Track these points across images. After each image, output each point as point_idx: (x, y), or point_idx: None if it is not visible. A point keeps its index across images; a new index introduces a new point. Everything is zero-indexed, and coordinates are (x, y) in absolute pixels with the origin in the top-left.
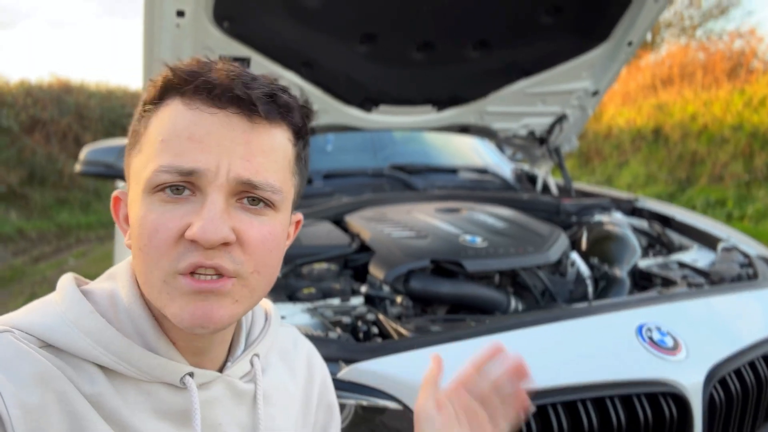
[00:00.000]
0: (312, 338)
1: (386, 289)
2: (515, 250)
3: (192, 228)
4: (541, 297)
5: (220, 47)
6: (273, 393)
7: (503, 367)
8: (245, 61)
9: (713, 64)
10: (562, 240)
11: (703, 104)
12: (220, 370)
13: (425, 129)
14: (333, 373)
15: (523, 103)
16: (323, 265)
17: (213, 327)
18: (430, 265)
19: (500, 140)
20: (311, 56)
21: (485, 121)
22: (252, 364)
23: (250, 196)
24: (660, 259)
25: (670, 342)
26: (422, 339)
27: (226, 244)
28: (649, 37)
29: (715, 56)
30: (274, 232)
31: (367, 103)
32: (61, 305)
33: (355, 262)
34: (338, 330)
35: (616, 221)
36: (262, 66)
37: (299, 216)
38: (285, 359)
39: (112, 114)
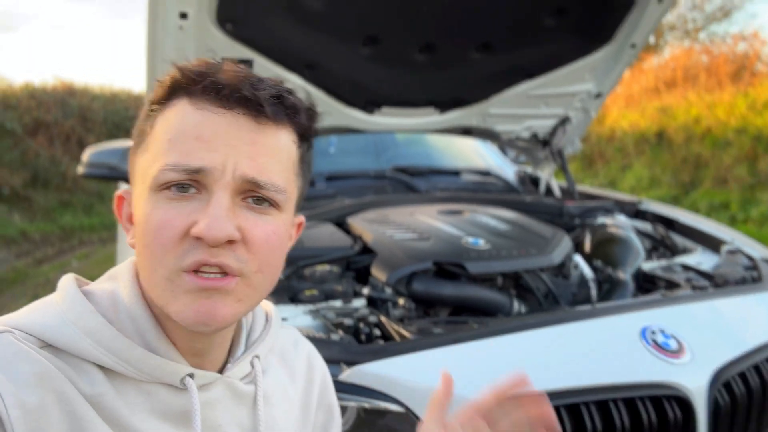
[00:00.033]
0: (314, 340)
1: (388, 291)
2: (518, 252)
3: (198, 225)
4: (544, 299)
5: (223, 49)
6: (273, 394)
7: (525, 407)
8: (248, 63)
9: (717, 67)
10: (566, 242)
11: (706, 107)
12: (221, 371)
13: (428, 131)
14: (335, 375)
15: (526, 105)
16: (325, 267)
17: (215, 325)
18: (432, 267)
19: (503, 142)
20: (314, 58)
21: (488, 123)
22: (252, 366)
23: (254, 195)
24: (664, 262)
25: (674, 345)
26: (425, 341)
27: (230, 242)
28: (652, 40)
29: (718, 59)
30: (277, 231)
31: (370, 105)
32: (62, 305)
33: (357, 264)
34: (340, 332)
35: (620, 224)
36: (264, 68)
37: (301, 218)
38: (285, 361)
39: (115, 117)
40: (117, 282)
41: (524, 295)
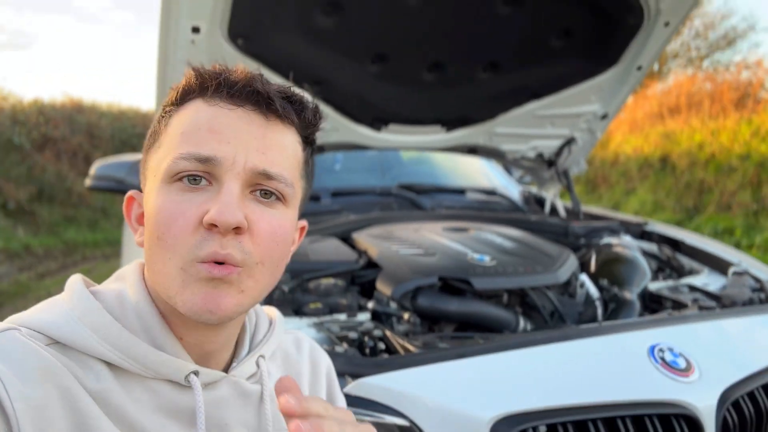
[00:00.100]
0: None
1: (393, 305)
2: (524, 269)
3: (210, 212)
4: (550, 318)
5: (233, 64)
6: None
7: None
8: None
9: (720, 94)
10: (572, 261)
11: (710, 133)
12: (226, 372)
13: (434, 149)
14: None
15: (532, 125)
16: (330, 281)
17: (219, 314)
18: (438, 283)
19: (508, 162)
20: (323, 75)
21: (494, 142)
22: (258, 365)
23: (263, 188)
24: (670, 283)
25: (682, 363)
26: (430, 355)
27: (237, 231)
28: (656, 66)
29: (722, 86)
30: (283, 225)
31: (377, 122)
32: (69, 303)
33: (362, 279)
34: (344, 345)
35: (626, 244)
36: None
37: (304, 223)
38: (289, 364)
39: (123, 134)
40: (124, 282)
41: (530, 313)
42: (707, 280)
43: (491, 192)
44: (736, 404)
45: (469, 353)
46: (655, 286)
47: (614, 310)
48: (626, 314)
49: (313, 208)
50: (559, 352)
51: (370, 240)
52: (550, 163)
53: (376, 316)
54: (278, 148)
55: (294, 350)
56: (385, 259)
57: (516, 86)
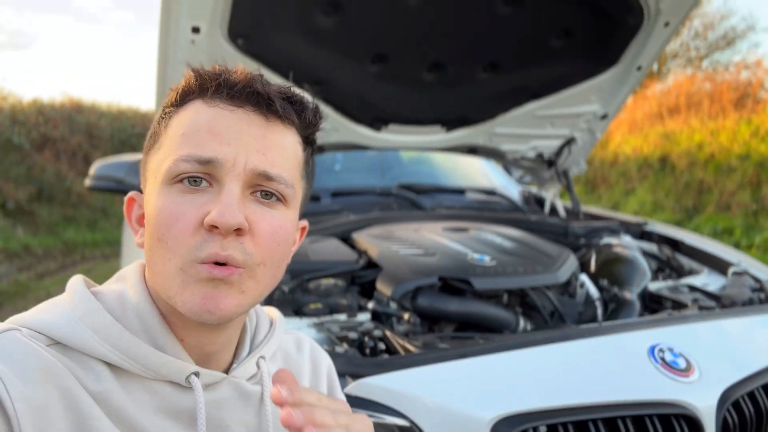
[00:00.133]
0: None
1: (393, 305)
2: (524, 269)
3: (210, 214)
4: (550, 318)
5: (233, 64)
6: None
7: None
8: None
9: (720, 94)
10: (572, 261)
11: (709, 133)
12: (226, 372)
13: (434, 149)
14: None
15: (532, 126)
16: (330, 281)
17: (219, 314)
18: (438, 283)
19: (508, 162)
20: (323, 75)
21: (494, 142)
22: (258, 366)
23: (263, 189)
24: (670, 283)
25: (682, 363)
26: (430, 355)
27: (239, 232)
28: (655, 67)
29: (721, 86)
30: (284, 226)
31: (377, 122)
32: (70, 304)
33: (362, 279)
34: (345, 345)
35: (626, 244)
36: (274, 83)
37: (305, 223)
38: (289, 365)
39: (122, 134)
40: (125, 283)
41: (530, 313)
42: (707, 280)
43: (491, 192)
44: (736, 404)
45: (470, 353)
46: (655, 286)
47: (614, 310)
48: (626, 314)
49: (313, 208)
50: (560, 352)
51: (370, 240)
52: (550, 163)
53: (376, 316)
54: (278, 148)
55: (295, 350)
56: (385, 259)
57: (516, 86)
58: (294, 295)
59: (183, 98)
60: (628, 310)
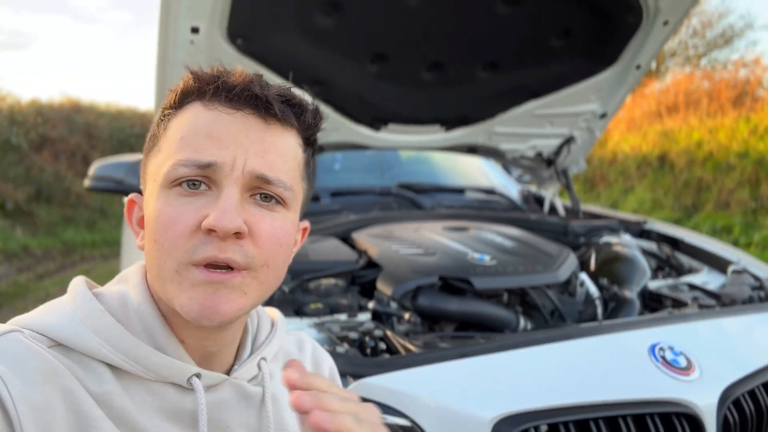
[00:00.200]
0: None
1: (394, 305)
2: (524, 268)
3: (208, 218)
4: (550, 317)
5: (232, 64)
6: (282, 396)
7: None
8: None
9: (718, 92)
10: (571, 260)
11: (708, 131)
12: (228, 374)
13: (434, 148)
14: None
15: (532, 125)
16: (330, 281)
17: (220, 319)
18: (438, 282)
19: (508, 161)
20: (322, 75)
21: (493, 141)
22: (260, 368)
23: (262, 192)
24: (670, 281)
25: (683, 362)
26: (431, 355)
27: (238, 236)
28: (654, 65)
29: (720, 84)
30: (284, 228)
31: (377, 121)
32: (72, 305)
33: (362, 279)
34: (345, 345)
35: (625, 243)
36: (273, 83)
37: (306, 223)
38: None
39: (121, 134)
40: (126, 284)
41: (530, 312)
42: (707, 278)
43: (490, 191)
44: (736, 402)
45: (470, 353)
46: (654, 284)
47: (614, 309)
48: (626, 313)
49: (312, 208)
50: (560, 351)
51: (370, 240)
52: (550, 162)
53: (376, 316)
54: (277, 151)
55: (296, 351)
56: (385, 258)
57: (515, 86)
58: (294, 295)
59: (181, 100)
60: (628, 309)
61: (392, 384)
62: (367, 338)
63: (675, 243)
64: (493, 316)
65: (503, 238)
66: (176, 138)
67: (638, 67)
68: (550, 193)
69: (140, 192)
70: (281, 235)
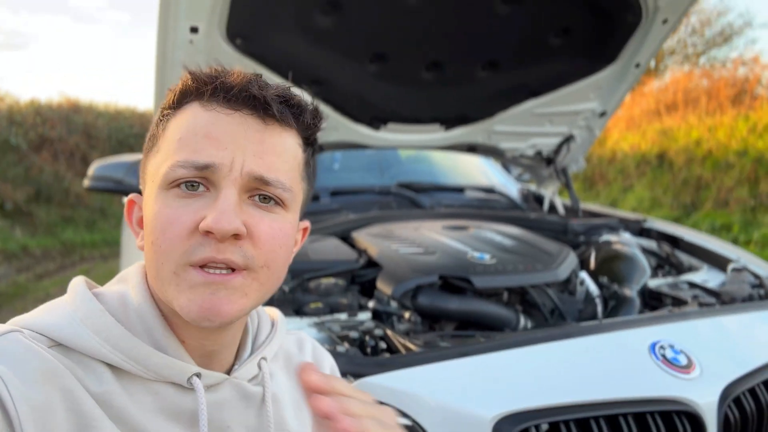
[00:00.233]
0: None
1: (394, 304)
2: (524, 267)
3: (206, 219)
4: (551, 315)
5: (231, 64)
6: (282, 396)
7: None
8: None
9: (717, 91)
10: (571, 258)
11: (707, 130)
12: (228, 373)
13: (433, 148)
14: None
15: (531, 123)
16: (330, 280)
17: (220, 320)
18: (438, 281)
19: (507, 160)
20: (322, 74)
21: (493, 140)
22: (260, 367)
23: (261, 193)
24: (670, 280)
25: (683, 360)
26: (432, 354)
27: (237, 237)
28: (653, 64)
29: (719, 83)
30: (284, 229)
31: (376, 121)
32: (72, 305)
33: (362, 278)
34: (345, 344)
35: (625, 241)
36: (272, 83)
37: (306, 223)
38: (291, 365)
39: (119, 134)
40: (126, 284)
41: (530, 311)
42: (706, 276)
43: (490, 190)
44: (737, 401)
45: (471, 352)
46: (654, 283)
47: (614, 308)
48: (626, 311)
49: (312, 208)
50: (560, 349)
51: (369, 239)
52: (549, 160)
53: (376, 315)
54: (276, 152)
55: (296, 351)
56: (385, 258)
57: (515, 84)
58: (294, 295)
59: (180, 101)
60: (628, 307)
61: (393, 383)
62: (367, 337)
63: (675, 241)
64: (493, 315)
65: (503, 237)
66: (175, 138)
67: (637, 65)
68: (550, 192)
69: (140, 192)
70: (280, 236)
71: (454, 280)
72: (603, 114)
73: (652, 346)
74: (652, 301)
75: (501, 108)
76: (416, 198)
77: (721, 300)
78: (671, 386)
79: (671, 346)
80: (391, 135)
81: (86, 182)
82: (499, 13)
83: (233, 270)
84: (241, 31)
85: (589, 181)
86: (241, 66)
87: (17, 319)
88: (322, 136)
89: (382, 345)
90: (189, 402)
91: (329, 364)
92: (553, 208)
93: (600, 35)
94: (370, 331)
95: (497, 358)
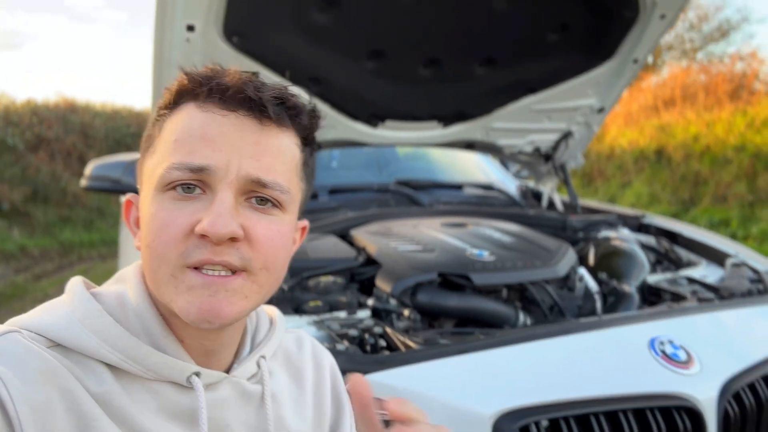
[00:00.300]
0: None
1: (393, 302)
2: (523, 263)
3: (201, 223)
4: (550, 312)
5: (229, 62)
6: (281, 395)
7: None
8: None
9: (715, 86)
10: (570, 254)
11: (705, 125)
12: (227, 372)
13: (431, 145)
14: None
15: (529, 120)
16: (329, 278)
17: (219, 322)
18: (437, 279)
19: (505, 157)
20: (319, 72)
21: (491, 137)
22: (259, 366)
23: (258, 195)
24: (668, 275)
25: (683, 356)
26: (431, 351)
27: (234, 240)
28: (650, 59)
29: (716, 78)
30: (281, 231)
31: (374, 118)
32: (70, 305)
33: (361, 276)
34: (345, 342)
35: (624, 237)
36: (269, 81)
37: (305, 222)
38: (290, 363)
39: (116, 133)
40: (124, 284)
41: (529, 308)
42: (705, 272)
43: (488, 187)
44: (736, 396)
45: (470, 349)
46: (653, 278)
47: (613, 304)
48: (625, 307)
49: (310, 206)
50: (560, 346)
51: (368, 237)
52: (547, 157)
53: (376, 313)
54: (273, 153)
55: (296, 349)
56: (383, 255)
57: (512, 81)
58: (293, 293)
59: (176, 101)
60: (627, 303)
61: (392, 381)
62: (366, 335)
63: (673, 237)
64: (492, 312)
65: (502, 234)
66: (170, 140)
67: (635, 61)
68: (548, 188)
69: (137, 191)
70: (278, 238)
71: (453, 278)
72: (601, 110)
73: (652, 342)
74: (651, 296)
75: (499, 105)
76: (415, 195)
77: (719, 295)
78: (671, 382)
79: (670, 342)
80: (389, 132)
81: (83, 182)
82: (496, 10)
83: (233, 272)
84: (238, 29)
85: (588, 178)
86: (238, 64)
87: (15, 320)
88: (320, 134)
89: (382, 343)
90: (188, 401)
91: (329, 363)
92: (551, 204)
93: (597, 31)
94: (370, 328)
95: (497, 355)
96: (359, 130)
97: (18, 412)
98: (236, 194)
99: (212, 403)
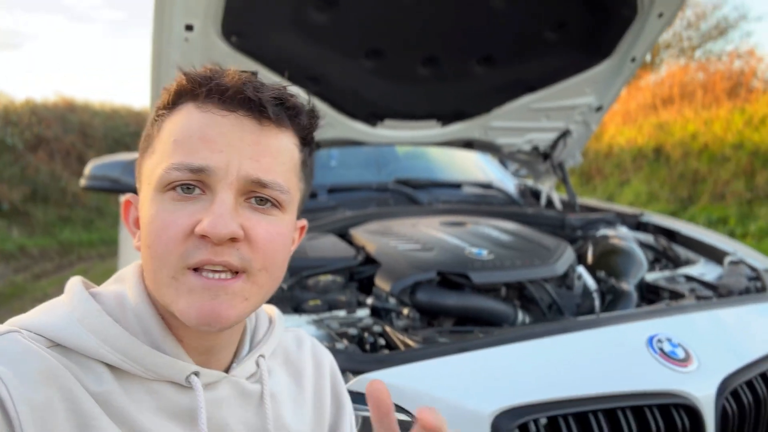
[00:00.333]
0: None
1: (392, 301)
2: (522, 262)
3: (202, 223)
4: (548, 310)
5: (227, 61)
6: (280, 394)
7: None
8: (252, 75)
9: (713, 84)
10: (569, 253)
11: (703, 123)
12: (226, 371)
13: (430, 144)
14: None
15: (528, 119)
16: (329, 277)
17: (220, 325)
18: (436, 277)
19: (504, 155)
20: (318, 71)
21: (489, 136)
22: (258, 365)
23: (258, 196)
24: (667, 273)
25: (681, 353)
26: (430, 350)
27: (234, 240)
28: (648, 57)
29: (714, 76)
30: (281, 231)
31: (373, 117)
32: (69, 305)
33: (360, 275)
34: (344, 341)
35: (622, 235)
36: (268, 80)
37: (304, 222)
38: (290, 362)
39: (115, 133)
40: (124, 284)
41: (528, 306)
42: (703, 270)
43: (487, 186)
44: (734, 393)
45: (469, 347)
46: (651, 276)
47: (612, 302)
48: (624, 305)
49: (309, 205)
50: (559, 344)
51: (367, 236)
52: (546, 156)
53: (375, 312)
54: (272, 153)
55: (295, 348)
56: (383, 254)
57: (511, 80)
58: (293, 292)
59: (175, 101)
60: (625, 301)
61: (392, 379)
62: (366, 334)
63: (671, 235)
64: (491, 311)
65: (500, 233)
66: (170, 140)
67: (633, 59)
68: (547, 187)
69: (136, 191)
70: (278, 238)
71: (452, 276)
72: (599, 108)
73: (650, 340)
74: (650, 294)
75: (497, 103)
76: (414, 194)
77: (718, 293)
78: (669, 380)
79: (669, 340)
80: (388, 131)
81: (83, 182)
82: (494, 8)
83: (234, 274)
84: (237, 28)
85: (586, 176)
86: (236, 64)
87: (15, 320)
88: (319, 134)
89: (381, 341)
90: (188, 400)
91: (329, 362)
92: (550, 203)
93: (596, 29)
94: (369, 327)
95: (496, 353)
96: (358, 129)
97: (18, 412)
98: (236, 195)
99: (211, 402)
